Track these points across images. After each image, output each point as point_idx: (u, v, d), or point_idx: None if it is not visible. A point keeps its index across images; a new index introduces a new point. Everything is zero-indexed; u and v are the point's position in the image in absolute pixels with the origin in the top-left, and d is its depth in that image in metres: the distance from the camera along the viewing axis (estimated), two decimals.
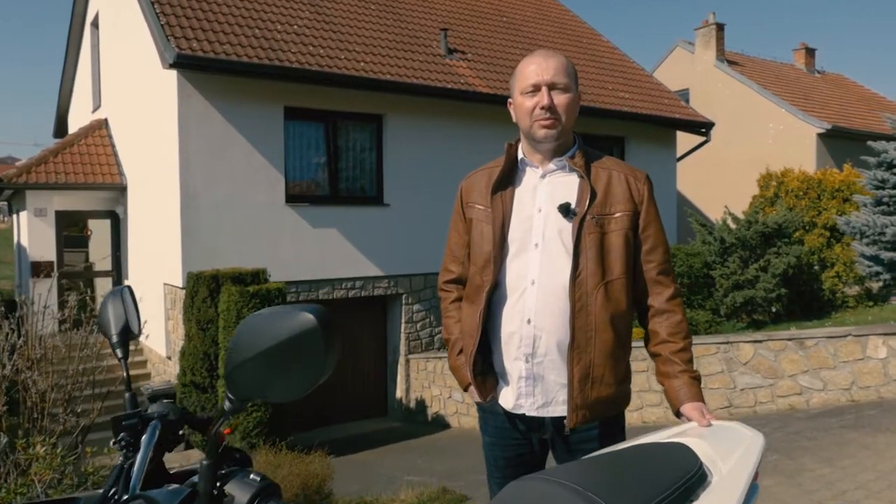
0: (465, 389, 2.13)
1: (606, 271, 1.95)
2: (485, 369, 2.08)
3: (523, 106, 2.01)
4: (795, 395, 6.27)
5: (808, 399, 6.20)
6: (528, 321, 1.97)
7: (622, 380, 2.02)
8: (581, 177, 2.00)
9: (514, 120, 2.09)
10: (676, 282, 2.10)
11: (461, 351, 2.15)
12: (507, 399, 2.05)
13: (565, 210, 1.96)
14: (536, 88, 1.98)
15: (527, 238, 2.01)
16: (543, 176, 2.06)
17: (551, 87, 1.97)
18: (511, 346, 2.01)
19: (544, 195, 2.03)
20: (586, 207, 1.95)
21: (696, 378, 1.98)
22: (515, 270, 2.01)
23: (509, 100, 2.12)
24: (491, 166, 2.16)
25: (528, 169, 2.09)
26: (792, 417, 5.78)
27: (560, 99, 1.98)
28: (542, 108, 1.96)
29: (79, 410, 5.63)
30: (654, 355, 2.06)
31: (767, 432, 5.70)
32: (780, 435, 5.08)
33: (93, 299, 12.59)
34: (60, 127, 17.42)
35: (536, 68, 1.98)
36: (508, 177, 2.08)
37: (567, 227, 1.96)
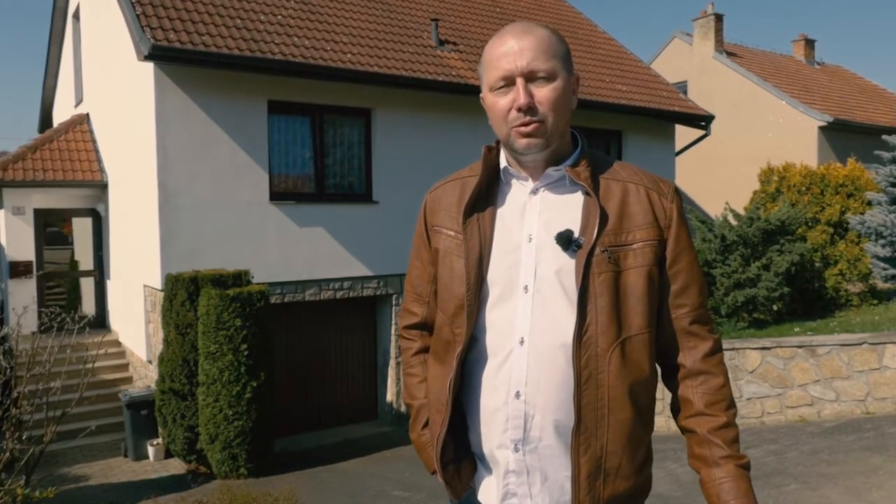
0: (433, 473, 1.61)
1: (624, 324, 1.43)
2: (459, 454, 1.56)
3: (495, 108, 1.48)
4: (806, 405, 5.93)
5: (819, 410, 5.86)
6: (517, 394, 1.44)
7: (642, 465, 1.50)
8: (587, 193, 1.47)
9: (489, 122, 1.56)
10: (716, 332, 1.56)
11: (427, 424, 1.62)
12: (490, 496, 1.53)
13: (566, 241, 1.43)
14: (509, 82, 1.44)
15: (513, 278, 1.48)
16: (535, 191, 1.51)
17: (529, 76, 1.43)
18: (494, 427, 1.48)
19: (537, 218, 1.49)
20: (595, 236, 1.42)
21: (745, 466, 1.47)
22: (498, 323, 1.48)
23: (481, 95, 1.57)
24: (465, 175, 1.62)
25: (514, 182, 1.55)
26: (804, 431, 5.43)
27: (543, 92, 1.43)
28: (519, 109, 1.42)
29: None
30: (685, 431, 1.53)
31: (779, 449, 5.39)
32: (793, 455, 4.73)
33: (78, 298, 12.24)
34: (45, 122, 17.01)
35: (506, 52, 1.43)
36: (487, 192, 1.54)
37: (569, 265, 1.43)
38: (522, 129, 1.44)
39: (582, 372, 1.40)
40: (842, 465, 4.33)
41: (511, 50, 1.43)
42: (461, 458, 1.56)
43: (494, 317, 1.49)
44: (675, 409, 1.56)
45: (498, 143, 1.59)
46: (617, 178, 1.52)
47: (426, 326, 1.70)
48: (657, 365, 1.55)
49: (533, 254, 1.47)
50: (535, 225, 1.49)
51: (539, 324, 1.44)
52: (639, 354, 1.45)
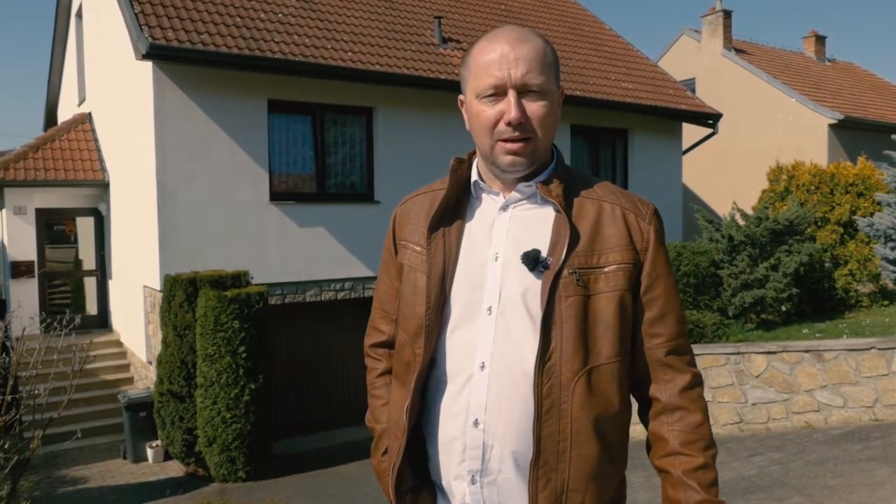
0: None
1: (591, 352, 1.33)
2: (417, 483, 1.47)
3: (480, 116, 1.37)
4: (812, 411, 5.78)
5: (826, 416, 5.71)
6: (476, 423, 1.34)
7: None
8: (558, 211, 1.38)
9: (467, 127, 1.44)
10: (695, 364, 1.43)
11: (387, 451, 1.53)
12: None
13: (532, 260, 1.34)
14: (499, 91, 1.34)
15: (476, 298, 1.38)
16: (505, 207, 1.42)
17: (522, 90, 1.33)
18: (451, 457, 1.38)
19: (505, 236, 1.40)
20: (563, 257, 1.33)
21: None
22: (459, 346, 1.39)
23: (460, 97, 1.47)
24: (436, 189, 1.53)
25: (484, 196, 1.46)
26: (810, 439, 5.28)
27: (534, 108, 1.34)
28: (510, 123, 1.33)
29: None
30: (660, 471, 1.41)
31: (784, 458, 5.25)
32: (798, 464, 4.59)
33: (82, 298, 12.22)
34: (50, 121, 17.01)
35: (500, 59, 1.34)
36: (456, 206, 1.46)
37: (535, 286, 1.34)
38: (509, 145, 1.35)
39: (543, 401, 1.30)
40: (848, 477, 4.19)
41: (504, 57, 1.33)
42: (419, 487, 1.48)
43: (455, 339, 1.40)
44: (649, 446, 1.44)
45: (470, 155, 1.50)
46: (592, 196, 1.42)
47: (393, 345, 1.60)
48: (632, 397, 1.44)
49: (498, 273, 1.37)
50: (502, 243, 1.39)
51: (501, 348, 1.34)
52: (607, 385, 1.34)
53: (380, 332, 1.64)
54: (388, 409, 1.56)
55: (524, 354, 1.33)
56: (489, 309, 1.36)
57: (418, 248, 1.48)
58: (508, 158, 1.36)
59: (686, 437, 1.37)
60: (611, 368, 1.34)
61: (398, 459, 1.43)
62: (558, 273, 1.32)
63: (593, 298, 1.34)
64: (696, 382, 1.41)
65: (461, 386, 1.37)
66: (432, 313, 1.40)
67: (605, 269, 1.35)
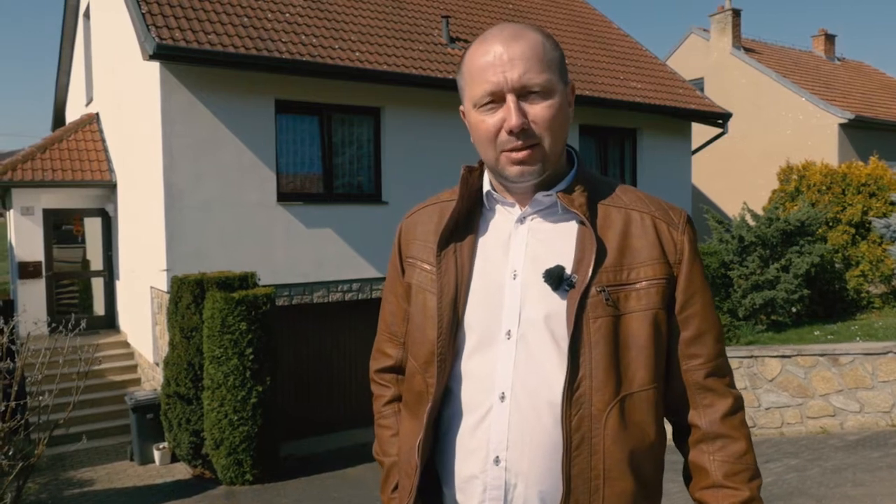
0: None
1: (624, 379, 1.20)
2: None
3: (481, 128, 1.24)
4: (828, 416, 5.70)
5: (842, 422, 5.62)
6: (496, 460, 1.22)
7: None
8: (582, 223, 1.25)
9: (471, 140, 1.31)
10: (734, 385, 1.31)
11: (397, 486, 1.39)
12: None
13: (556, 279, 1.21)
14: (497, 98, 1.21)
15: (493, 322, 1.25)
16: (522, 220, 1.29)
17: (521, 92, 1.20)
18: (469, 497, 1.25)
19: (523, 251, 1.27)
20: (590, 274, 1.20)
21: None
22: (476, 374, 1.26)
23: (461, 108, 1.34)
24: (445, 200, 1.40)
25: (498, 208, 1.33)
26: (826, 444, 5.20)
27: (538, 110, 1.21)
28: (511, 132, 1.20)
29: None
30: (700, 503, 1.29)
31: (800, 465, 5.17)
32: (816, 472, 4.50)
33: (90, 298, 12.21)
34: (58, 121, 17.03)
35: (493, 61, 1.20)
36: (468, 219, 1.33)
37: (559, 308, 1.21)
38: (514, 154, 1.22)
39: (572, 435, 1.18)
40: (868, 486, 4.10)
41: (498, 59, 1.20)
42: None
43: (472, 366, 1.27)
44: (687, 476, 1.32)
45: (481, 162, 1.37)
46: (618, 204, 1.29)
47: (401, 370, 1.48)
48: (666, 423, 1.33)
49: (517, 293, 1.25)
50: (520, 259, 1.27)
51: (523, 377, 1.22)
52: (642, 415, 1.21)
53: (386, 356, 1.52)
54: (397, 440, 1.43)
55: (549, 383, 1.20)
56: (508, 333, 1.24)
57: (427, 267, 1.35)
58: (516, 169, 1.23)
59: (729, 468, 1.25)
60: (645, 396, 1.22)
61: (410, 500, 1.31)
62: (585, 292, 1.20)
63: (624, 319, 1.21)
64: (738, 406, 1.29)
65: (479, 419, 1.24)
66: (445, 339, 1.27)
67: (637, 286, 1.23)
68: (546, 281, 1.22)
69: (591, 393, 1.18)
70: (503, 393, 1.22)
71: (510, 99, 1.20)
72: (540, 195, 1.27)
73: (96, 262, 12.25)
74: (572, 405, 1.18)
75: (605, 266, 1.22)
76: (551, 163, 1.26)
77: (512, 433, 1.21)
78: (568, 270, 1.22)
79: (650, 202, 1.31)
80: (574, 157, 1.34)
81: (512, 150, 1.22)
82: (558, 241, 1.27)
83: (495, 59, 1.21)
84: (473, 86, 1.25)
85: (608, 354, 1.19)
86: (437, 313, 1.28)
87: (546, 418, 1.20)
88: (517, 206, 1.31)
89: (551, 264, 1.23)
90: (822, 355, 5.75)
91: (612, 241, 1.24)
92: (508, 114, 1.20)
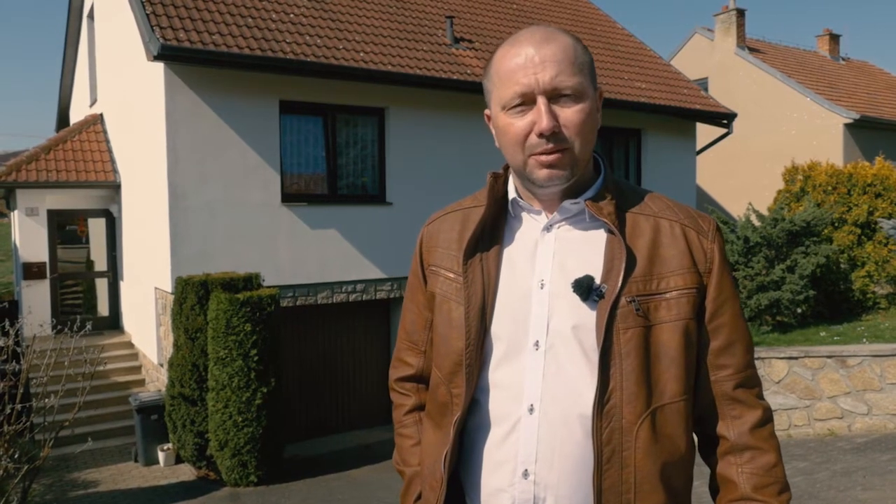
0: None
1: (655, 391, 1.18)
2: None
3: (509, 131, 1.22)
4: (836, 418, 5.66)
5: (850, 424, 5.59)
6: (525, 473, 1.20)
7: None
8: (611, 231, 1.23)
9: (496, 144, 1.30)
10: (763, 396, 1.29)
11: (420, 497, 1.37)
12: None
13: (585, 289, 1.19)
14: (528, 100, 1.19)
15: (521, 332, 1.23)
16: (549, 228, 1.27)
17: (553, 95, 1.18)
18: None
19: (550, 260, 1.25)
20: (620, 284, 1.18)
21: None
22: (503, 386, 1.24)
23: (486, 111, 1.33)
24: (468, 206, 1.38)
25: (524, 216, 1.31)
26: (834, 447, 5.16)
27: (569, 114, 1.19)
28: (541, 135, 1.18)
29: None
30: None
31: (808, 468, 5.14)
32: (825, 475, 4.47)
33: (94, 299, 12.21)
34: (62, 122, 17.06)
35: (524, 63, 1.19)
36: (493, 227, 1.31)
37: (588, 318, 1.19)
38: (544, 157, 1.20)
39: (603, 449, 1.16)
40: (879, 490, 4.07)
41: (530, 61, 1.18)
42: None
43: (499, 377, 1.25)
44: (714, 489, 1.30)
45: (506, 168, 1.35)
46: (647, 212, 1.27)
47: (422, 379, 1.46)
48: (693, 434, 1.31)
49: (545, 303, 1.23)
50: (548, 268, 1.25)
51: (552, 388, 1.20)
52: (673, 427, 1.19)
53: (407, 364, 1.49)
54: (418, 450, 1.41)
55: (579, 395, 1.18)
56: (536, 344, 1.22)
57: (451, 276, 1.32)
58: (545, 172, 1.21)
59: (758, 481, 1.23)
60: (676, 408, 1.20)
61: None
62: (615, 302, 1.18)
63: (654, 329, 1.19)
64: (768, 418, 1.27)
65: (507, 431, 1.22)
66: (472, 351, 1.25)
67: (667, 296, 1.21)
68: (575, 291, 1.20)
69: (621, 405, 1.17)
70: (532, 405, 1.21)
71: (541, 101, 1.18)
72: (567, 203, 1.25)
73: (100, 263, 12.25)
74: (603, 418, 1.16)
75: (634, 276, 1.21)
76: (580, 169, 1.24)
77: (541, 446, 1.20)
78: (597, 281, 1.20)
79: (679, 210, 1.30)
80: (601, 164, 1.32)
81: (541, 154, 1.20)
82: (586, 250, 1.24)
83: (526, 61, 1.19)
84: (503, 88, 1.22)
85: (639, 366, 1.18)
86: (465, 323, 1.26)
87: (576, 431, 1.18)
88: (544, 214, 1.29)
89: (579, 273, 1.21)
90: (829, 357, 5.72)
91: (641, 250, 1.23)
92: (539, 116, 1.18)
